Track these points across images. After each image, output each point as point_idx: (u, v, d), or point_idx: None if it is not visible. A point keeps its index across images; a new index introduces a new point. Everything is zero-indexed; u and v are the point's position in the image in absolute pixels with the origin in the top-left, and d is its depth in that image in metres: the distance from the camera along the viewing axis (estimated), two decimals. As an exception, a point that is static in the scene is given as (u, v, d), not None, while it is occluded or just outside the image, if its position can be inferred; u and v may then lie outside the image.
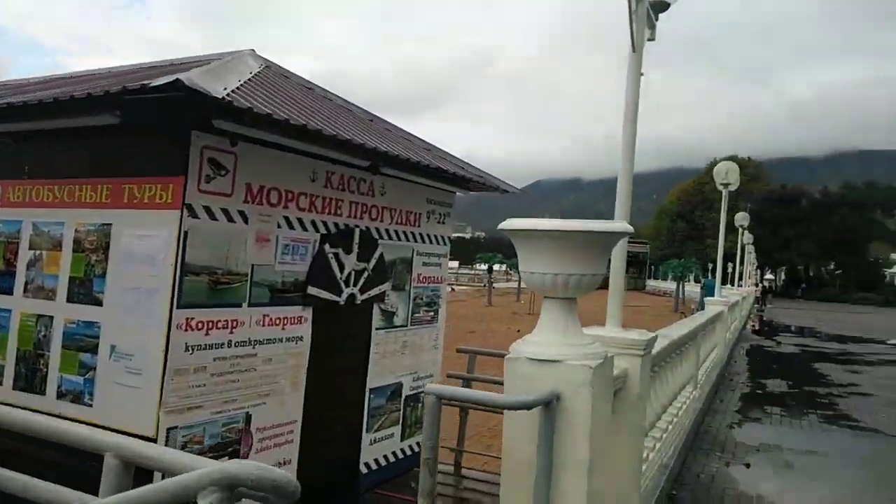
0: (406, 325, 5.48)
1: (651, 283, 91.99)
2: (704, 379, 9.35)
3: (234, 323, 3.95)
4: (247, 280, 4.00)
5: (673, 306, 45.08)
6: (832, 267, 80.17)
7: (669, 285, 57.80)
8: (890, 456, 7.30)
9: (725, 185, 12.05)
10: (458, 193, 6.25)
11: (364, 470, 5.28)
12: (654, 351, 4.61)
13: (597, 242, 2.78)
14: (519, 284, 58.97)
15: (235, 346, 3.97)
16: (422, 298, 5.65)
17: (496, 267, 63.93)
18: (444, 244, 5.99)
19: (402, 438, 5.63)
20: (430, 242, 5.77)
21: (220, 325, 3.85)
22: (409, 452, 5.69)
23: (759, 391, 11.48)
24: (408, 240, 5.47)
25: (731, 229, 36.79)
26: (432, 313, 5.83)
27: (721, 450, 7.17)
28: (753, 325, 30.02)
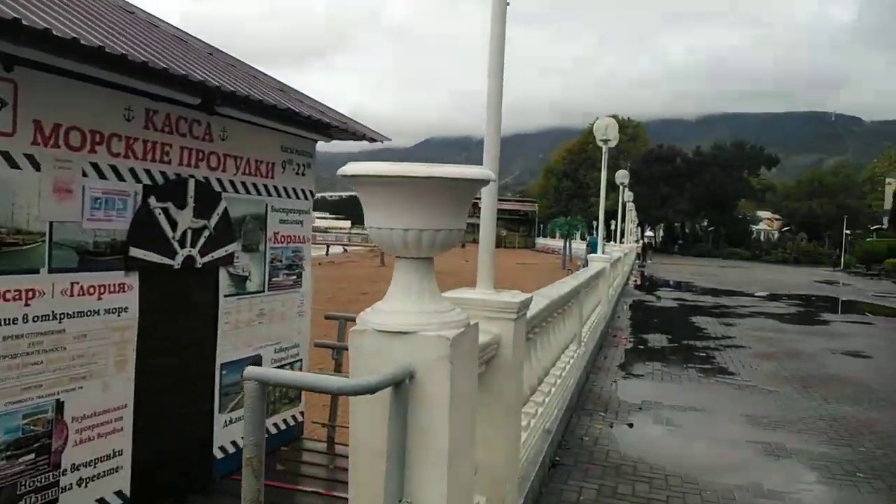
0: (262, 291, 4.84)
1: (540, 241, 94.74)
2: (589, 336, 9.31)
3: (30, 293, 3.20)
4: (44, 240, 3.24)
5: (561, 263, 46.45)
6: (705, 224, 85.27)
7: (557, 243, 59.51)
8: (765, 410, 7.47)
9: (605, 142, 12.02)
10: (321, 142, 5.60)
11: (219, 455, 4.67)
12: (531, 313, 4.25)
13: (454, 191, 2.30)
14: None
15: (34, 321, 3.23)
16: (281, 260, 5.00)
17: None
18: (306, 199, 5.32)
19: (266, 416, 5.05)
20: (289, 197, 5.09)
21: (8, 296, 3.10)
22: (273, 431, 5.12)
23: (642, 346, 11.65)
24: (260, 193, 4.77)
25: (613, 187, 37.96)
26: (294, 277, 5.20)
27: (605, 409, 7.06)
28: (636, 281, 31.26)
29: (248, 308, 4.71)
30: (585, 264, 29.06)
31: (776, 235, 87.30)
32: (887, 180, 75.31)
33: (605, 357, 10.06)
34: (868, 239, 57.70)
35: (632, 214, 38.93)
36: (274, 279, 4.94)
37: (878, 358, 11.67)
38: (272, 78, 5.16)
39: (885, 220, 72.30)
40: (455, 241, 2.44)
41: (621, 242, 29.24)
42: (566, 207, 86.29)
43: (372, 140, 5.80)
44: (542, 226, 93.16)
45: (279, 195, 4.99)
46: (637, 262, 43.45)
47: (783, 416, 7.23)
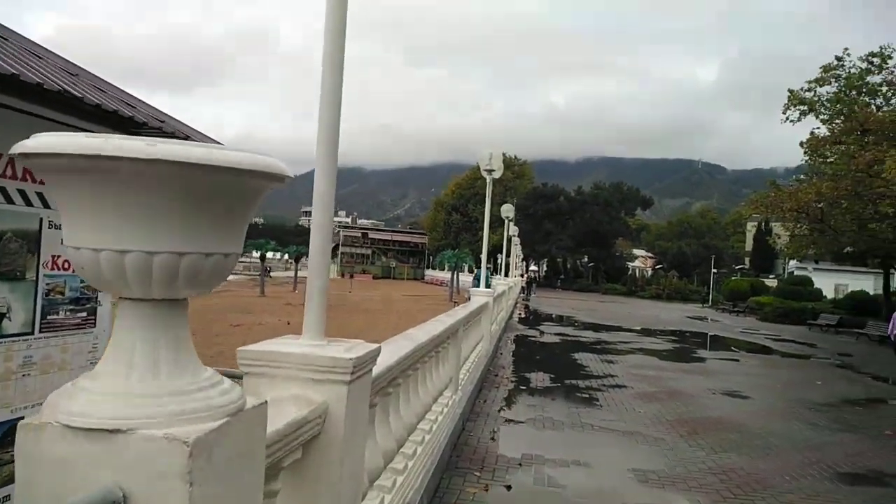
0: (31, 334, 3.64)
1: (429, 273, 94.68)
2: (468, 378, 8.53)
3: None
4: None
5: (448, 295, 46.11)
6: (586, 259, 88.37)
7: (446, 275, 59.38)
8: (653, 462, 6.90)
9: (490, 172, 11.48)
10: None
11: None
12: (385, 365, 3.35)
13: (216, 191, 1.37)
14: (296, 274, 56.79)
15: None
16: (62, 293, 3.81)
17: (272, 255, 60.85)
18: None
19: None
20: (77, 210, 3.93)
21: None
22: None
23: (524, 387, 10.96)
24: (30, 204, 3.61)
25: (500, 222, 38.31)
26: (84, 314, 4.01)
27: (481, 467, 6.20)
28: (520, 314, 31.20)
29: (5, 356, 3.49)
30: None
31: (650, 272, 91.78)
32: (749, 225, 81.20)
33: (486, 400, 9.30)
34: (733, 278, 61.59)
35: (517, 249, 39.18)
36: (50, 317, 3.74)
37: (753, 399, 11.63)
38: (62, 58, 4.03)
39: (747, 260, 77.78)
40: (225, 271, 1.51)
41: (506, 276, 29.10)
42: (455, 240, 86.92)
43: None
44: (431, 258, 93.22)
45: (61, 207, 3.80)
46: (521, 295, 43.82)
47: (672, 470, 6.67)
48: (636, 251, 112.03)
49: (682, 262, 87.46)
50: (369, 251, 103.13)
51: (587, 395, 10.64)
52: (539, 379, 11.95)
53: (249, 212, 1.51)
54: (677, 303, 58.46)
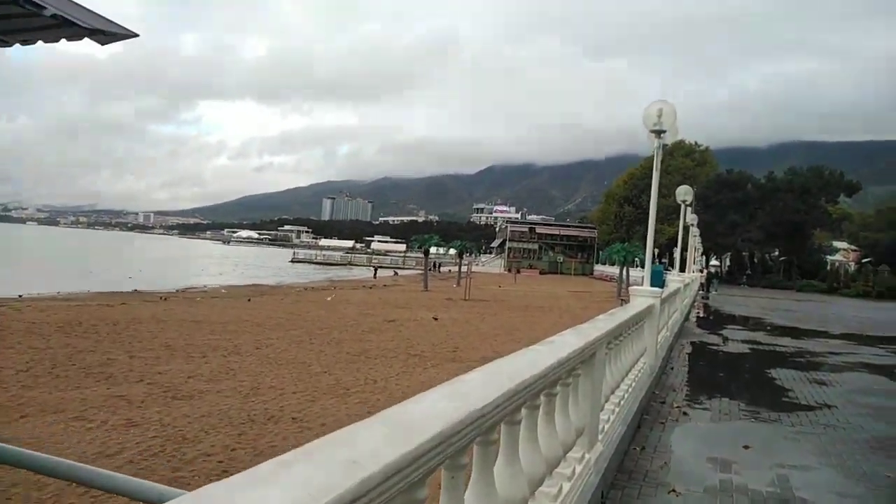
0: None
1: (598, 268, 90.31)
2: (616, 416, 5.79)
3: None
4: None
5: (616, 291, 42.46)
6: (776, 253, 79.26)
7: (615, 270, 55.59)
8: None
9: (658, 134, 8.55)
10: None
11: None
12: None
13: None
14: (459, 268, 55.74)
15: None
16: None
17: (435, 250, 60.32)
18: None
19: None
20: None
21: None
22: None
23: (701, 423, 7.79)
24: None
25: (676, 213, 34.07)
26: None
27: None
28: (698, 313, 27.21)
29: None
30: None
31: (853, 267, 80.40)
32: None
33: (643, 448, 6.43)
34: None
35: (695, 240, 34.68)
36: None
37: None
38: None
39: None
40: None
41: (683, 271, 25.26)
42: (627, 234, 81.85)
43: (107, 36, 2.63)
44: (600, 252, 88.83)
45: None
46: (700, 292, 39.13)
47: None
48: (837, 243, 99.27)
49: (894, 255, 75.25)
50: (536, 246, 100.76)
51: (796, 440, 7.31)
52: (724, 409, 8.71)
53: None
54: (889, 301, 49.73)
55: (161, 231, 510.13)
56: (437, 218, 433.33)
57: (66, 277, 43.06)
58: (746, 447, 6.76)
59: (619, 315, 5.95)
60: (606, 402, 5.20)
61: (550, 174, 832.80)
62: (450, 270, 71.21)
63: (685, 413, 8.38)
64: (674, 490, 5.30)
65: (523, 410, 2.74)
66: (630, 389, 6.32)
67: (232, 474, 4.87)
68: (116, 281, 41.38)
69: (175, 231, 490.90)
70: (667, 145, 9.29)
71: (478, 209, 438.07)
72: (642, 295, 8.68)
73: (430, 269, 50.88)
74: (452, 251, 59.05)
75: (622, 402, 5.78)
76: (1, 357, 13.25)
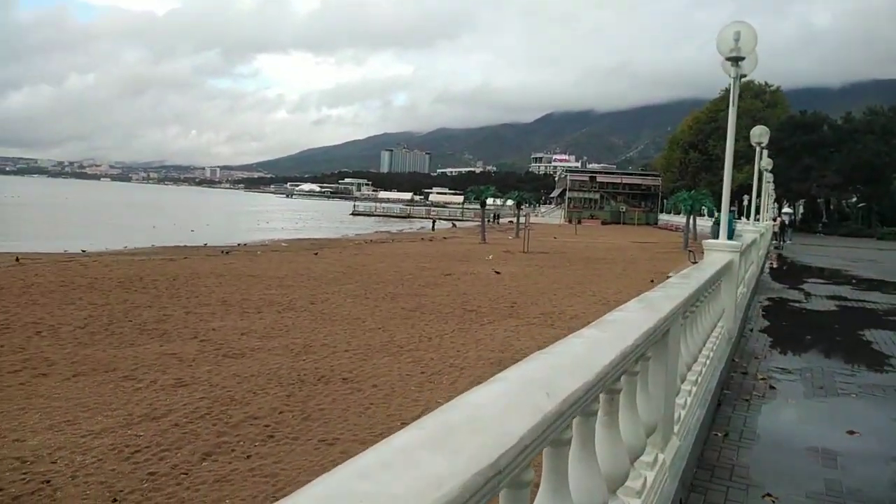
0: None
1: (663, 217, 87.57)
2: (693, 397, 4.99)
3: None
4: None
5: (683, 243, 40.85)
6: (854, 200, 74.89)
7: (681, 219, 53.56)
8: None
9: (736, 61, 7.50)
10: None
11: None
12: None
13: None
14: (517, 219, 54.78)
15: None
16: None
17: (492, 202, 59.41)
18: None
19: None
20: None
21: None
22: None
23: (793, 399, 6.84)
24: None
25: (746, 158, 32.05)
26: None
27: None
28: (771, 264, 25.75)
29: None
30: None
31: (941, 213, 75.19)
32: None
33: (726, 434, 5.54)
34: None
35: (769, 187, 32.73)
36: None
37: None
38: None
39: None
40: None
41: (756, 220, 23.75)
42: (693, 181, 78.55)
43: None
44: (665, 201, 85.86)
45: None
46: (773, 242, 37.17)
47: None
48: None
49: None
50: (597, 195, 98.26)
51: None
52: (816, 381, 7.65)
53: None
54: None
55: (227, 185, 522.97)
56: (494, 168, 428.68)
57: (136, 232, 44.24)
58: (852, 432, 5.71)
59: (695, 277, 5.13)
60: (682, 382, 4.46)
61: (610, 121, 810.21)
62: (509, 222, 70.15)
63: (772, 387, 7.38)
64: (769, 494, 4.45)
65: (575, 422, 2.02)
66: (708, 362, 5.45)
67: (277, 439, 4.31)
68: (183, 235, 42.24)
69: (241, 185, 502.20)
70: (745, 76, 8.17)
71: (536, 158, 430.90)
72: (719, 249, 7.77)
73: (488, 221, 50.11)
74: (510, 202, 57.87)
75: (699, 380, 4.98)
76: (62, 313, 13.37)
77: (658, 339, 3.19)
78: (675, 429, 3.86)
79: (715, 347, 6.10)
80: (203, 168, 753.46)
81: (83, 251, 29.18)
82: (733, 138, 7.79)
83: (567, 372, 1.85)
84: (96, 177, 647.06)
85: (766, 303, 14.33)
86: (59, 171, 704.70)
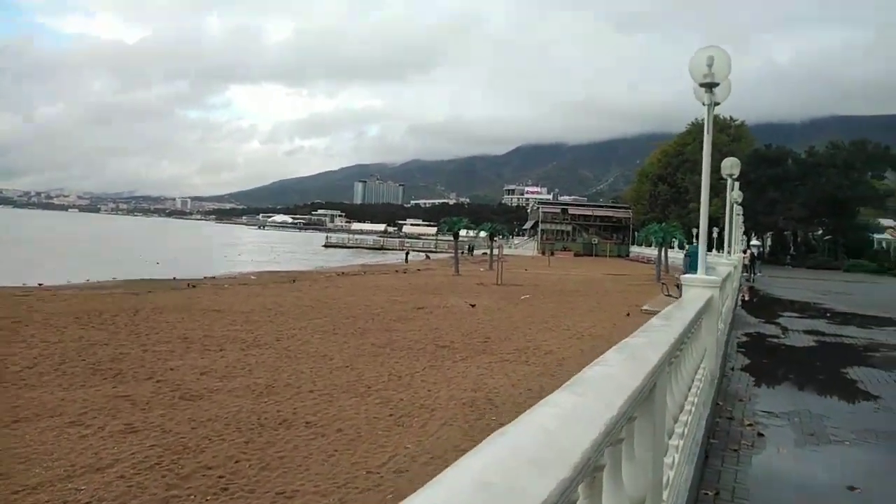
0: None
1: (635, 250, 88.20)
2: (681, 455, 4.44)
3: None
4: None
5: (655, 275, 40.93)
6: (820, 232, 76.31)
7: (652, 252, 53.87)
8: None
9: (710, 87, 7.30)
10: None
11: None
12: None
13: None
14: (490, 251, 54.58)
15: None
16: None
17: (465, 233, 59.16)
18: None
19: None
20: None
21: None
22: None
23: (783, 449, 6.34)
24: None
25: (715, 191, 32.35)
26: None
27: None
28: (743, 297, 25.74)
29: None
30: (679, 286, 23.83)
31: (903, 246, 76.86)
32: None
33: (717, 491, 5.04)
34: None
35: (739, 220, 32.99)
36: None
37: None
38: None
39: None
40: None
41: (728, 253, 23.76)
42: (662, 214, 79.49)
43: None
44: (636, 233, 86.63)
45: None
46: (744, 275, 37.41)
47: None
48: (885, 221, 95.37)
49: (948, 232, 71.80)
50: (570, 227, 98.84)
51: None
52: (805, 426, 7.22)
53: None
54: (948, 283, 47.14)
55: (199, 216, 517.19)
56: (468, 200, 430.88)
57: (100, 264, 43.05)
58: (852, 488, 5.26)
59: (677, 317, 4.75)
60: (670, 437, 4.05)
61: (580, 153, 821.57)
62: (483, 254, 69.98)
63: (760, 434, 6.89)
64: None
65: None
66: (693, 409, 5.06)
67: (231, 491, 3.73)
68: (150, 268, 41.21)
69: (212, 216, 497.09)
70: (718, 103, 7.92)
71: (509, 190, 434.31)
72: (698, 285, 7.47)
73: (462, 253, 49.79)
74: (483, 234, 57.73)
75: (686, 431, 4.57)
76: (9, 352, 12.62)
77: (645, 397, 2.81)
78: (665, 495, 3.45)
79: (699, 391, 5.73)
80: (174, 199, 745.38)
81: (39, 284, 28.17)
82: (709, 166, 7.54)
83: (532, 467, 1.41)
84: (64, 207, 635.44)
85: (744, 338, 14.10)
86: (26, 201, 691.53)
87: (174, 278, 33.71)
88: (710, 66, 7.07)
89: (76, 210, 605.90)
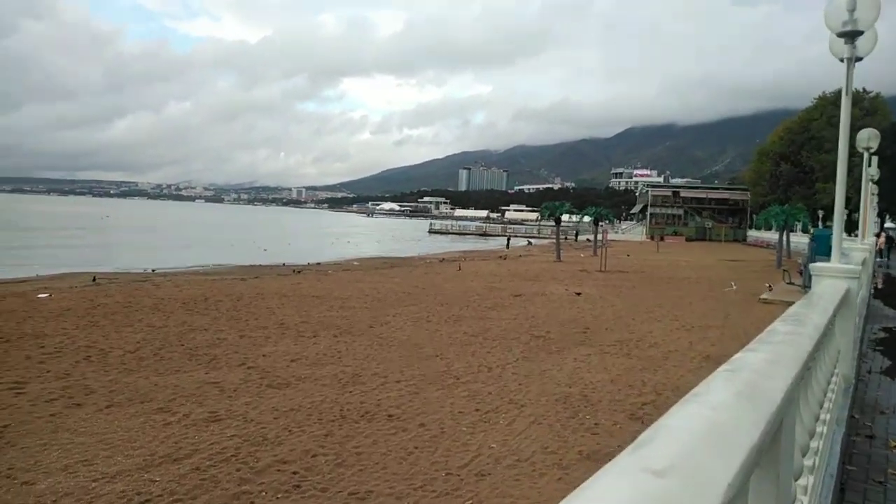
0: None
1: (752, 234, 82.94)
2: (812, 493, 3.51)
3: None
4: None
5: (776, 261, 38.04)
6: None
7: (773, 235, 50.24)
8: None
9: (851, 36, 6.12)
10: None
11: None
12: None
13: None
14: (595, 237, 52.77)
15: None
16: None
17: (567, 217, 57.57)
18: None
19: None
20: None
21: None
22: None
23: None
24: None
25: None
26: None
27: None
28: (875, 284, 23.18)
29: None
30: (804, 271, 21.60)
31: None
32: None
33: None
34: None
35: (873, 200, 29.93)
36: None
37: None
38: None
39: None
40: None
41: (861, 237, 21.40)
42: (784, 195, 74.06)
43: None
44: (754, 216, 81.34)
45: None
46: (878, 260, 33.97)
47: None
48: None
49: None
50: (681, 211, 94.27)
51: None
52: None
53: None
54: None
55: (313, 205, 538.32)
56: (573, 185, 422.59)
57: (216, 251, 45.15)
58: None
59: (811, 320, 3.75)
60: (798, 477, 3.09)
61: (693, 134, 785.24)
62: (587, 239, 68.00)
63: None
64: None
65: None
66: (825, 430, 4.07)
67: (303, 489, 3.23)
68: (262, 254, 42.78)
69: (325, 205, 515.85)
70: (860, 58, 6.63)
71: (616, 174, 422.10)
72: (831, 275, 6.35)
73: (567, 238, 48.43)
74: (588, 218, 55.91)
75: (817, 463, 3.60)
76: (117, 336, 13.08)
77: (766, 449, 1.96)
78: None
79: (832, 405, 4.71)
80: (290, 189, 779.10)
81: (153, 270, 29.79)
82: (847, 136, 6.37)
83: None
84: (191, 198, 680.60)
85: (881, 334, 12.35)
86: (158, 193, 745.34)
87: (283, 264, 34.67)
88: (851, 10, 5.90)
89: (202, 200, 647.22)
